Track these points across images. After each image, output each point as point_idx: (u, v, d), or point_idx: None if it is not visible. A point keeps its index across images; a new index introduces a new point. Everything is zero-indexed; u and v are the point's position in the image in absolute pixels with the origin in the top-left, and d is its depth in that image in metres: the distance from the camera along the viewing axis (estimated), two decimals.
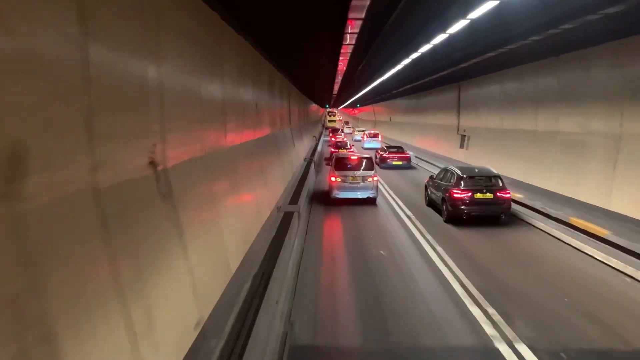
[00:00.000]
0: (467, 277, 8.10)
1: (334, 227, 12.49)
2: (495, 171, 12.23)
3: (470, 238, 10.83)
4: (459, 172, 11.81)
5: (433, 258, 9.18)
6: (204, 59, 6.28)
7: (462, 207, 11.36)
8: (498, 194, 11.34)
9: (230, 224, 6.74)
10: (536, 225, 11.51)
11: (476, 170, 12.37)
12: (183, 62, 5.36)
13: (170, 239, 4.51)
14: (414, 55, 14.18)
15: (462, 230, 11.38)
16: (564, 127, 13.44)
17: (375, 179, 14.23)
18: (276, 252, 7.59)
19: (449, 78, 20.63)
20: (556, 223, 10.90)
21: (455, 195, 11.41)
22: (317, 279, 8.18)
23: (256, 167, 9.93)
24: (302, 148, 24.40)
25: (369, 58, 15.92)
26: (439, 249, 9.75)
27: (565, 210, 11.19)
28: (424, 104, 32.60)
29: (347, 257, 9.52)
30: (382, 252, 9.70)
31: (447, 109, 25.99)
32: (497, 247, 10.13)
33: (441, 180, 12.63)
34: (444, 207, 11.93)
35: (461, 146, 23.47)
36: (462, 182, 11.48)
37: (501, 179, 11.82)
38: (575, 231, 10.12)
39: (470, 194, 11.29)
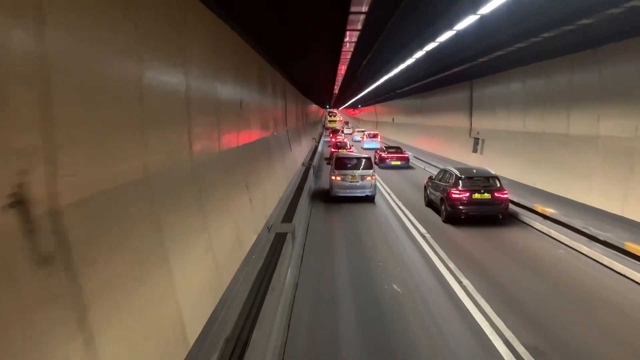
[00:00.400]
0: (511, 329, 6.17)
1: (334, 244, 10.50)
2: (493, 172, 12.20)
3: (502, 268, 8.90)
4: (457, 173, 11.89)
5: (459, 294, 7.24)
6: (151, 35, 4.34)
7: (460, 207, 11.39)
8: (496, 194, 11.40)
9: (190, 271, 4.81)
10: (580, 250, 9.54)
11: (474, 171, 12.51)
12: (103, 34, 3.42)
13: (56, 329, 2.58)
14: (429, 47, 12.18)
15: (478, 245, 9.51)
16: (606, 131, 11.47)
17: (373, 178, 14.71)
18: (260, 298, 5.70)
19: (460, 76, 18.86)
20: (605, 248, 8.97)
21: (453, 195, 11.46)
22: (314, 332, 6.22)
23: (239, 182, 8.00)
24: (300, 152, 22.50)
25: (375, 52, 14.01)
26: (465, 281, 7.81)
27: (616, 232, 9.26)
28: (430, 105, 30.48)
29: (352, 293, 7.55)
30: (395, 286, 7.77)
31: (457, 110, 23.92)
32: (540, 280, 8.15)
33: (440, 181, 12.73)
34: (443, 207, 11.99)
35: (474, 150, 21.43)
36: (460, 183, 11.54)
37: (499, 180, 11.75)
38: (635, 261, 8.18)
39: (468, 194, 11.36)
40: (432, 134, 30.74)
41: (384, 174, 21.61)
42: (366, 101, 50.62)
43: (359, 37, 11.65)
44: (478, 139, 21.18)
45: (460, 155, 22.99)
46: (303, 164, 19.60)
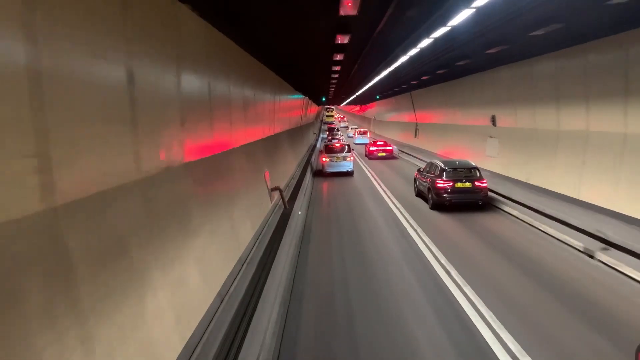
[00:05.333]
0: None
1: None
2: (473, 163, 13.78)
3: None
4: (442, 165, 13.54)
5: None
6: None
7: (444, 195, 12.87)
8: (476, 183, 12.92)
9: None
10: None
11: (457, 163, 14.04)
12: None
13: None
14: None
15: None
16: None
17: (352, 157, 21.18)
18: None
19: None
20: None
21: (438, 185, 12.99)
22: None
23: None
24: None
25: None
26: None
27: None
28: None
29: None
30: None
31: None
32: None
33: (427, 173, 14.30)
34: (430, 195, 13.56)
35: None
36: (444, 174, 13.07)
37: (479, 170, 13.32)
38: None
39: (451, 183, 12.84)
40: None
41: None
42: (390, 88, 28.45)
43: None
44: None
45: None
46: None
